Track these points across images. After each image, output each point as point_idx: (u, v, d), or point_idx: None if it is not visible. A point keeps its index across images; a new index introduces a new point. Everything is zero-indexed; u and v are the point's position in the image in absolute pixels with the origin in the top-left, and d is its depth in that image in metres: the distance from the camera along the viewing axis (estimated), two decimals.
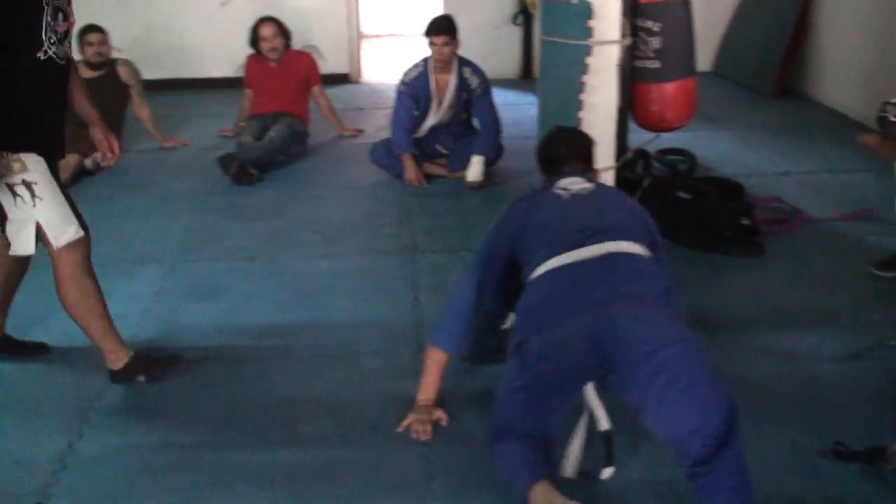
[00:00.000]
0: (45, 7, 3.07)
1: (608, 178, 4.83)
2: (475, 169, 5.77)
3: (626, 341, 2.65)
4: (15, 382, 3.58)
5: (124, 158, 4.83)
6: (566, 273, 2.88)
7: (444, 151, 6.08)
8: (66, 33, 3.20)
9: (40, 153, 3.19)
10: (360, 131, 7.12)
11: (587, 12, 4.52)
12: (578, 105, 4.66)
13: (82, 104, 3.50)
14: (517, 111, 7.22)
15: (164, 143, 6.75)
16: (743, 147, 6.58)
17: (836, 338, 3.77)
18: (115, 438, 3.19)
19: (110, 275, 3.93)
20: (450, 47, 5.75)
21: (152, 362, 3.56)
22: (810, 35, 7.91)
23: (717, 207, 4.82)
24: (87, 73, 6.08)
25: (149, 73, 7.30)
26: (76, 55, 3.54)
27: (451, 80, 5.88)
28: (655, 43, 5.01)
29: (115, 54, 6.58)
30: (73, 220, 3.29)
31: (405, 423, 3.18)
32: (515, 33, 9.08)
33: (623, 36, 4.73)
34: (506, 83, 8.43)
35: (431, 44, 5.75)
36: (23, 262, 3.51)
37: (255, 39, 6.60)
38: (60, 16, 3.13)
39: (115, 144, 3.62)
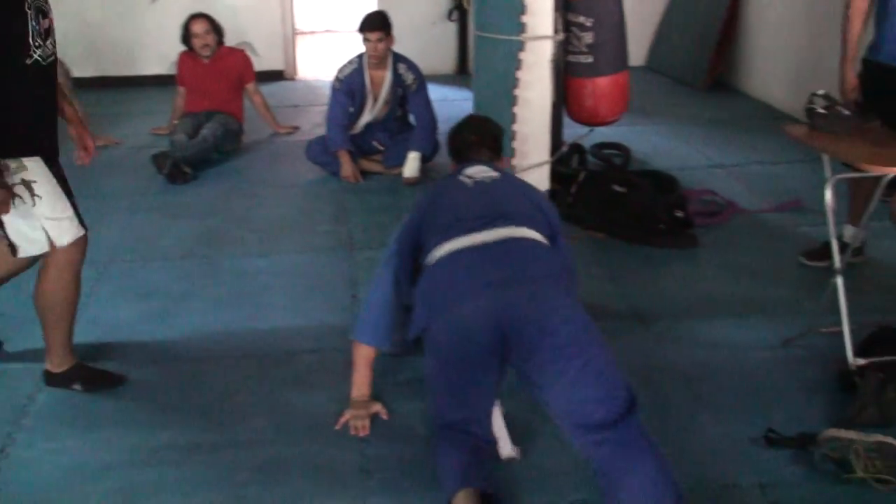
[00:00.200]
0: (28, 11, 3.02)
1: (543, 173, 4.87)
2: (411, 165, 5.77)
3: (525, 321, 2.73)
4: None
5: None
6: (462, 257, 2.92)
7: (380, 148, 6.07)
8: (48, 31, 3.15)
9: (42, 153, 3.16)
10: (296, 128, 7.08)
11: (520, 8, 4.55)
12: (513, 100, 4.69)
13: (59, 102, 3.43)
14: (453, 107, 7.22)
15: (95, 141, 6.63)
16: (676, 140, 6.66)
17: (767, 327, 3.84)
18: (49, 443, 3.14)
19: None
20: (384, 43, 5.74)
21: (95, 375, 3.49)
22: (740, 30, 8.04)
23: (652, 200, 4.88)
24: None
25: (80, 71, 7.19)
26: None
27: (387, 77, 5.87)
28: (588, 38, 5.05)
29: None
30: (75, 218, 3.26)
31: (343, 419, 3.18)
32: (450, 29, 9.09)
33: (556, 31, 4.77)
34: (441, 79, 8.45)
35: (366, 40, 5.74)
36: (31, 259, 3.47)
37: (186, 36, 6.53)
38: (41, 16, 3.09)
39: (90, 143, 3.59)
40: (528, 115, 4.71)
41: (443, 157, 5.97)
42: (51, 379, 3.45)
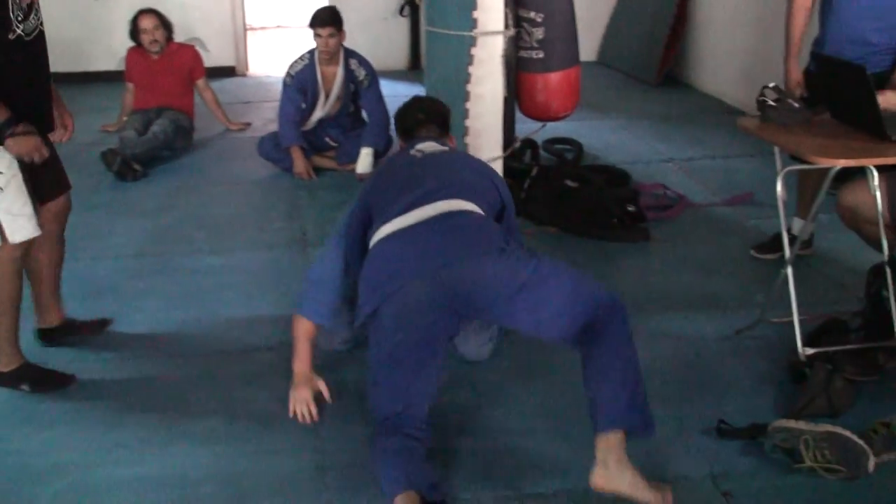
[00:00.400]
0: None
1: (496, 168, 4.87)
2: (364, 161, 5.76)
3: (472, 290, 2.80)
4: None
5: None
6: (402, 238, 2.94)
7: (333, 144, 6.06)
8: (31, 5, 3.13)
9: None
10: (247, 125, 7.03)
11: (471, 3, 4.56)
12: (465, 96, 4.69)
13: None
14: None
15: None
16: (628, 135, 6.71)
17: (719, 319, 3.88)
18: None
19: None
20: (336, 39, 5.72)
21: (43, 375, 3.44)
22: (689, 25, 8.11)
23: (604, 195, 4.91)
24: None
25: None
26: None
27: (338, 72, 5.85)
28: (539, 34, 5.07)
29: None
30: (34, 217, 3.22)
31: (291, 406, 3.16)
32: (402, 25, 9.07)
33: (507, 27, 4.78)
34: (394, 74, 8.44)
35: (317, 36, 5.72)
36: (61, 248, 3.55)
37: (134, 32, 6.45)
38: None
39: (70, 122, 3.58)
40: (480, 111, 4.71)
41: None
42: None
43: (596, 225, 4.78)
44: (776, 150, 3.61)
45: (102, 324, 3.83)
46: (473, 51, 4.63)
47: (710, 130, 6.71)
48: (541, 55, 5.12)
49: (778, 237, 4.43)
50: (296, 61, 5.90)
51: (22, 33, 3.08)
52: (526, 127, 5.55)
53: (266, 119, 7.05)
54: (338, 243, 3.24)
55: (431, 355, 2.84)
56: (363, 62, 5.90)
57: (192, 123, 6.55)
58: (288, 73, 5.89)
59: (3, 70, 3.05)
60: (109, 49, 8.23)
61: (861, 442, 2.84)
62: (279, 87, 6.05)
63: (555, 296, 2.79)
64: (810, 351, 3.37)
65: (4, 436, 3.15)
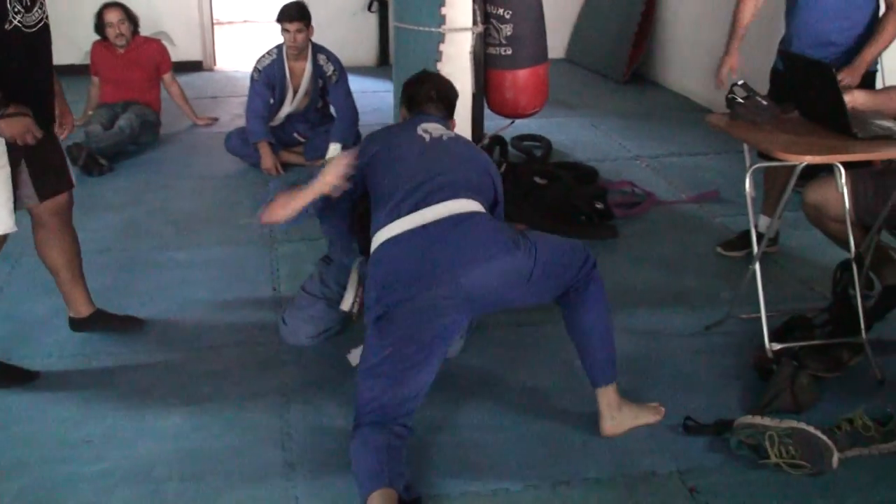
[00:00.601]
0: None
1: None
2: (333, 157, 5.73)
3: (489, 294, 2.90)
4: None
5: None
6: (414, 241, 2.92)
7: (301, 139, 6.04)
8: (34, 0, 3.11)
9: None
10: (215, 120, 6.99)
11: (439, 0, 4.55)
12: None
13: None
14: (374, 98, 7.22)
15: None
16: (596, 132, 6.73)
17: (685, 316, 3.91)
18: None
19: None
20: (304, 34, 5.70)
21: (6, 371, 3.41)
22: (657, 23, 8.14)
23: (572, 192, 4.92)
24: None
25: None
26: None
27: (307, 68, 5.83)
28: (507, 30, 5.07)
29: None
30: (12, 214, 3.21)
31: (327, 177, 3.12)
32: (371, 20, 9.05)
33: (475, 23, 4.78)
34: (362, 70, 8.42)
35: (285, 31, 5.69)
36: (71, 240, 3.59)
37: (100, 25, 6.39)
38: None
39: (70, 119, 3.57)
40: None
41: None
42: None
43: (564, 222, 4.79)
44: (745, 147, 3.64)
45: (136, 322, 3.83)
46: (442, 47, 4.63)
47: (678, 128, 6.74)
48: (509, 52, 5.12)
49: (743, 235, 4.48)
50: (263, 56, 5.87)
51: (20, 24, 3.05)
52: (494, 124, 5.55)
53: (233, 114, 7.01)
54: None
55: (440, 353, 2.85)
56: (331, 58, 5.88)
57: (159, 118, 6.51)
58: (255, 69, 5.86)
59: None
60: (74, 42, 8.12)
61: (825, 438, 2.87)
62: (247, 82, 6.02)
63: (551, 274, 2.97)
64: (777, 347, 3.39)
65: None
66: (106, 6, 6.40)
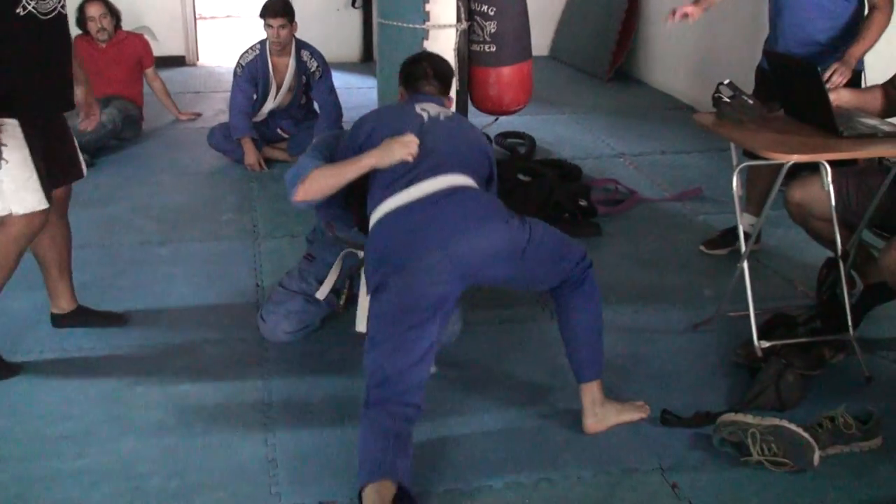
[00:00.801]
0: None
1: None
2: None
3: (485, 263, 2.89)
4: None
5: None
6: (411, 212, 2.93)
7: (284, 135, 6.02)
8: None
9: (22, 115, 3.13)
10: (197, 115, 6.96)
11: None
12: None
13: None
14: (358, 95, 7.20)
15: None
16: (579, 130, 6.73)
17: (669, 313, 3.92)
18: None
19: None
20: (287, 30, 5.68)
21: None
22: (641, 21, 8.15)
23: (556, 189, 4.92)
24: None
25: None
26: None
27: (290, 64, 5.81)
28: (491, 27, 5.07)
29: None
30: (39, 189, 3.21)
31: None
32: (355, 16, 9.03)
33: (459, 20, 4.77)
34: (346, 66, 8.40)
35: (268, 26, 5.67)
36: (64, 232, 3.59)
37: (81, 20, 6.34)
38: None
39: (96, 108, 3.64)
40: None
41: None
42: None
43: (548, 219, 4.74)
44: (732, 145, 3.64)
45: (118, 318, 3.81)
46: (426, 44, 4.63)
47: (661, 126, 6.75)
48: (493, 49, 5.12)
49: (726, 233, 4.49)
50: (246, 52, 5.85)
51: (35, 10, 3.06)
52: (478, 121, 5.54)
53: (216, 110, 6.98)
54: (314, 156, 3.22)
55: (437, 321, 2.84)
56: (315, 53, 5.87)
57: (141, 113, 6.48)
58: (239, 64, 5.84)
59: (7, 45, 3.04)
60: None
61: (807, 435, 2.88)
62: (230, 77, 5.99)
63: (546, 258, 3.01)
64: (766, 344, 3.40)
65: None
66: (87, 0, 6.35)
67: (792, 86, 3.60)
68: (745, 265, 3.52)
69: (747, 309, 3.46)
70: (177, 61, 8.67)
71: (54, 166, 3.34)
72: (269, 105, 5.91)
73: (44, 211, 3.26)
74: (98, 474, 2.85)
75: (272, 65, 5.79)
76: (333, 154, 3.24)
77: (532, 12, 5.32)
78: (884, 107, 3.61)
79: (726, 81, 3.64)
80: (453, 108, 3.57)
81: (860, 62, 3.99)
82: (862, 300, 3.68)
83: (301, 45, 5.84)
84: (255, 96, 5.84)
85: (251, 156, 5.74)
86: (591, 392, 3.07)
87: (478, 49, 5.14)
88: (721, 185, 5.30)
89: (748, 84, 4.15)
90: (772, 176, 3.68)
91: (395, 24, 4.69)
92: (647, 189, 5.41)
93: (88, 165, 5.62)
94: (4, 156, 3.11)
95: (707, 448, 2.99)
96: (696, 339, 3.71)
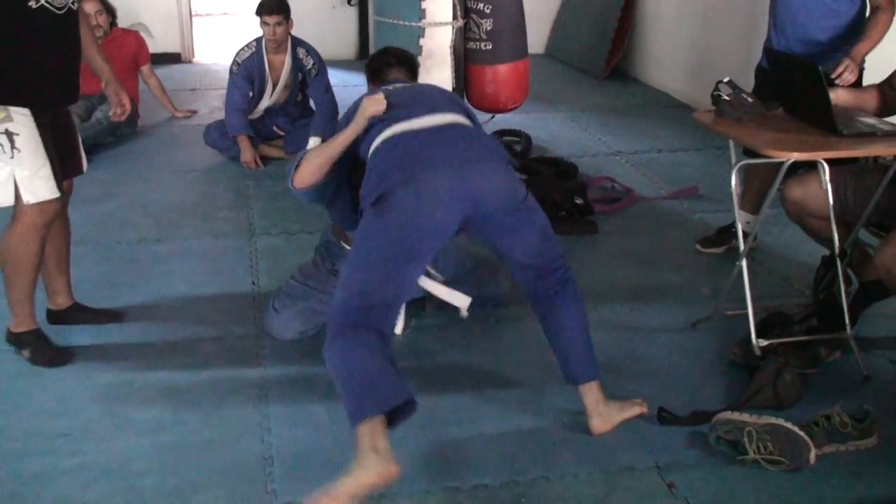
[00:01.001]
0: None
1: None
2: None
3: (487, 199, 2.85)
4: None
5: None
6: (419, 135, 2.94)
7: (280, 133, 6.02)
8: None
9: (33, 105, 3.16)
10: (193, 112, 6.95)
11: None
12: None
13: (94, 59, 3.56)
14: (354, 92, 7.12)
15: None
16: (576, 128, 6.73)
17: (665, 311, 3.91)
18: None
19: None
20: (283, 27, 5.67)
21: (43, 346, 3.46)
22: (637, 19, 8.16)
23: (552, 187, 4.92)
24: None
25: None
26: None
27: (286, 61, 5.81)
28: (487, 25, 5.07)
29: None
30: (51, 178, 3.24)
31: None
32: (351, 14, 9.03)
33: (455, 17, 4.77)
34: (342, 64, 8.40)
35: (264, 24, 5.67)
36: (63, 228, 3.61)
37: None
38: None
39: (126, 100, 3.69)
40: None
41: None
42: (8, 337, 3.48)
43: None
44: (731, 144, 3.64)
45: (114, 315, 3.80)
46: (422, 41, 4.64)
47: (657, 124, 6.75)
48: (489, 47, 5.13)
49: (722, 231, 4.49)
50: (242, 49, 5.84)
51: (47, 4, 3.09)
52: None
53: (212, 107, 6.98)
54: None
55: (430, 251, 2.86)
56: (311, 51, 5.86)
57: (137, 110, 6.45)
58: (234, 61, 5.83)
59: (10, 41, 3.07)
60: None
61: (803, 434, 2.88)
62: (225, 74, 5.98)
63: (536, 225, 3.00)
64: (764, 343, 3.40)
65: None
66: None
67: (792, 84, 3.60)
68: (744, 264, 3.53)
69: (745, 307, 3.46)
70: (173, 58, 8.66)
71: (60, 158, 3.35)
72: (265, 102, 5.91)
73: (56, 200, 3.29)
74: (94, 472, 2.84)
75: (268, 62, 5.79)
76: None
77: (528, 10, 5.33)
78: (880, 106, 3.61)
79: (726, 79, 3.64)
80: None
81: (862, 61, 3.99)
82: (858, 298, 3.68)
83: (297, 42, 5.83)
84: (251, 94, 5.84)
85: (247, 153, 5.73)
86: (592, 392, 3.04)
87: (474, 47, 5.15)
88: (717, 183, 5.31)
89: (744, 83, 4.15)
90: (768, 174, 3.69)
91: (391, 21, 4.69)
92: (644, 187, 5.41)
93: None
94: (17, 145, 3.13)
95: (704, 446, 2.99)
96: (693, 338, 3.71)
